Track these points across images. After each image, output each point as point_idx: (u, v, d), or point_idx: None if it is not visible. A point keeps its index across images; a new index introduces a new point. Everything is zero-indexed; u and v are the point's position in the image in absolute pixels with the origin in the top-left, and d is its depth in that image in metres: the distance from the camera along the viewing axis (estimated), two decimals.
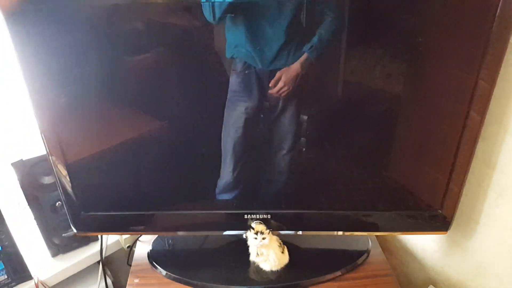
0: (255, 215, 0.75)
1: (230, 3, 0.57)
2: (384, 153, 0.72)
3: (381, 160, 0.73)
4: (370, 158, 0.73)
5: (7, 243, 0.77)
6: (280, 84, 0.64)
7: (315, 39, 0.61)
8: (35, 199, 0.82)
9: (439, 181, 0.71)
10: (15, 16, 0.58)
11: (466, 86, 0.62)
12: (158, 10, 0.61)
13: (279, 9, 0.59)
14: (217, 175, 0.75)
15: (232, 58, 0.64)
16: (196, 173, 0.76)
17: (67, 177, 0.72)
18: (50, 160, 0.71)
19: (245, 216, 0.75)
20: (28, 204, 0.82)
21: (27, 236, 0.89)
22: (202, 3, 0.57)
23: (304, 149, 0.72)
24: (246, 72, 0.64)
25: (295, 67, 0.63)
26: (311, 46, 0.61)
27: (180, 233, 0.80)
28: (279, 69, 0.63)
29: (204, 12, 0.58)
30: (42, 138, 0.69)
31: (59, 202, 0.83)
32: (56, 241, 0.87)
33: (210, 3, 0.57)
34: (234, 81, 0.65)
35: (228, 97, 0.66)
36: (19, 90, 0.67)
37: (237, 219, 0.76)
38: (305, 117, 0.69)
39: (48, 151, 0.70)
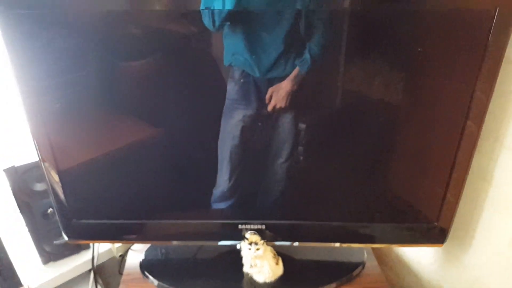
0: (249, 225, 0.74)
1: (229, 11, 0.57)
2: (382, 163, 0.72)
3: (378, 171, 0.73)
4: (367, 168, 0.73)
5: None
6: (273, 103, 0.64)
7: (306, 52, 0.61)
8: (26, 206, 0.80)
9: (436, 192, 0.70)
10: (9, 19, 0.57)
11: (463, 97, 0.62)
12: (155, 17, 0.61)
13: (277, 18, 0.59)
14: (212, 184, 0.74)
15: (229, 66, 0.63)
16: (191, 181, 0.75)
17: (59, 184, 0.71)
18: (42, 167, 0.70)
19: (239, 226, 0.75)
20: (20, 211, 0.81)
21: (19, 243, 0.88)
22: (201, 11, 0.57)
23: (301, 158, 0.72)
24: (244, 80, 0.64)
25: (284, 84, 0.63)
26: (302, 60, 0.61)
27: (173, 242, 0.79)
28: (277, 77, 0.63)
29: (203, 19, 0.58)
30: (35, 144, 0.68)
31: (51, 209, 0.82)
32: (48, 248, 0.86)
33: (210, 10, 0.57)
34: (231, 89, 0.65)
35: (225, 105, 0.66)
36: (11, 95, 0.67)
37: (231, 229, 0.75)
38: (303, 126, 0.69)
39: (40, 157, 0.69)
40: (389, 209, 0.74)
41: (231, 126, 0.68)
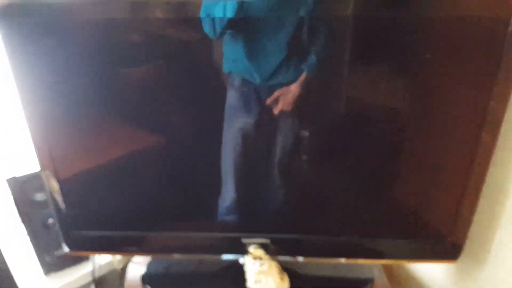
0: (253, 239, 0.72)
1: (230, 19, 0.56)
2: (393, 175, 0.69)
3: (389, 183, 0.70)
4: (377, 180, 0.70)
5: None
6: (280, 106, 0.62)
7: (312, 57, 0.59)
8: (27, 216, 0.80)
9: (450, 206, 0.67)
10: (11, 28, 0.57)
11: (478, 107, 0.59)
12: (155, 24, 0.59)
13: (279, 24, 0.57)
14: (215, 195, 0.72)
15: (229, 73, 0.62)
16: (193, 192, 0.73)
17: (60, 194, 0.70)
18: (42, 175, 0.69)
19: (243, 240, 0.72)
20: (21, 221, 0.80)
21: (19, 253, 0.87)
22: (202, 19, 0.56)
23: (307, 167, 0.69)
24: (244, 87, 0.62)
25: (292, 88, 0.61)
26: (309, 64, 0.60)
27: (175, 255, 0.77)
28: (278, 84, 0.61)
29: (204, 27, 0.57)
30: (36, 152, 0.67)
31: (51, 219, 0.81)
32: (49, 259, 0.85)
33: (211, 18, 0.55)
34: (232, 96, 0.63)
35: (225, 113, 0.64)
36: (13, 104, 0.66)
37: (234, 243, 0.73)
38: (308, 133, 0.66)
39: (41, 165, 0.68)
40: (400, 224, 0.71)
41: (233, 134, 0.66)
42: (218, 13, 0.55)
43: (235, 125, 0.65)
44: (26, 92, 0.62)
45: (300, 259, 0.75)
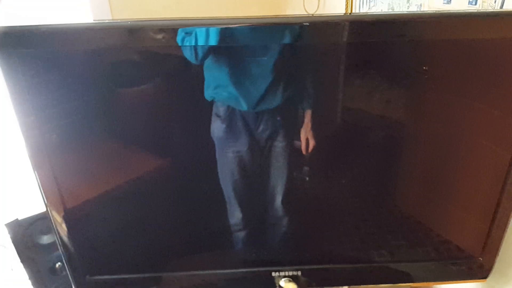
0: (283, 272, 0.68)
1: (212, 46, 0.52)
2: (421, 198, 0.67)
3: (417, 206, 0.68)
4: (405, 203, 0.68)
5: None
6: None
7: (299, 82, 0.57)
8: (31, 261, 0.73)
9: (480, 227, 0.66)
10: (8, 58, 0.53)
11: (509, 130, 0.58)
12: (149, 50, 0.55)
13: (265, 49, 0.54)
14: (235, 228, 0.68)
15: (212, 101, 0.58)
16: (214, 225, 0.68)
17: (68, 235, 0.64)
18: (49, 215, 0.63)
19: (273, 274, 0.69)
20: (24, 267, 0.73)
21: None
22: (182, 47, 0.52)
23: (326, 193, 0.67)
24: (230, 115, 0.58)
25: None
26: (296, 92, 0.58)
27: None
28: (267, 109, 0.58)
29: (184, 53, 0.53)
30: (40, 190, 0.61)
31: (59, 263, 0.74)
32: None
33: (192, 46, 0.52)
34: (217, 126, 0.59)
35: (215, 143, 0.60)
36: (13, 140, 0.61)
37: (263, 277, 0.69)
38: (311, 157, 0.62)
39: (47, 204, 0.62)
40: (430, 246, 0.70)
41: (228, 163, 0.62)
42: (200, 39, 0.52)
43: (228, 155, 0.61)
44: (28, 127, 0.57)
45: None
